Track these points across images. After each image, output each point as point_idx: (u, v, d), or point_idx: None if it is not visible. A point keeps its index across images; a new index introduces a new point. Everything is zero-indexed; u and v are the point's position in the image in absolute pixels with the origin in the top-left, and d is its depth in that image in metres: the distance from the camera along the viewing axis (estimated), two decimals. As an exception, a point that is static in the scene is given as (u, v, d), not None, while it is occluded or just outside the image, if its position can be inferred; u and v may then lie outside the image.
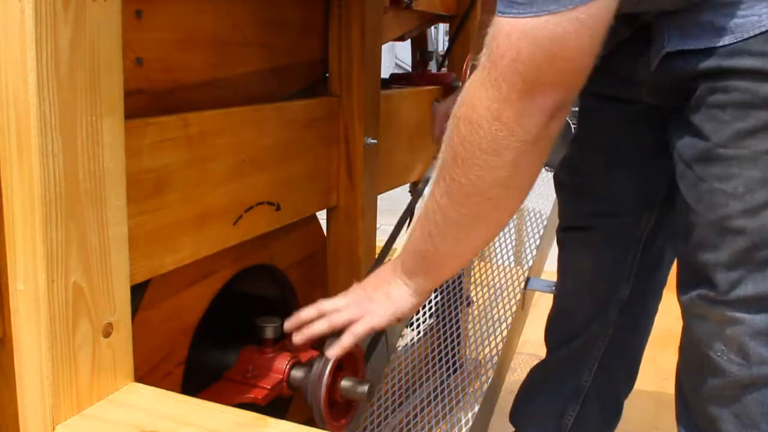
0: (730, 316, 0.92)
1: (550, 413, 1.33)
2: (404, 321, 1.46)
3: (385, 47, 1.42)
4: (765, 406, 0.93)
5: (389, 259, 0.99)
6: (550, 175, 1.86)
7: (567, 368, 1.30)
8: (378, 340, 1.17)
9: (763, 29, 0.84)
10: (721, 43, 0.87)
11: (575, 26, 0.71)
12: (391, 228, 1.28)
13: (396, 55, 5.28)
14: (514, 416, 1.40)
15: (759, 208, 0.88)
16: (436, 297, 1.58)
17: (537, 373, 1.38)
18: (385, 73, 1.50)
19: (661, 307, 1.30)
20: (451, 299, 1.57)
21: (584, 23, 0.71)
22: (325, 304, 0.97)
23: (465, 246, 0.88)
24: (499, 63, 0.73)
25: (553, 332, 1.34)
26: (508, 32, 0.72)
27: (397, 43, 1.80)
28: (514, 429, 1.40)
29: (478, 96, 0.75)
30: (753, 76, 0.85)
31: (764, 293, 0.90)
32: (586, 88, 1.17)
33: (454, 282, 1.60)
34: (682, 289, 0.99)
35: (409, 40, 1.90)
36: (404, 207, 1.34)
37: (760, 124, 0.86)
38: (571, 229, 1.26)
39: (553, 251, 1.38)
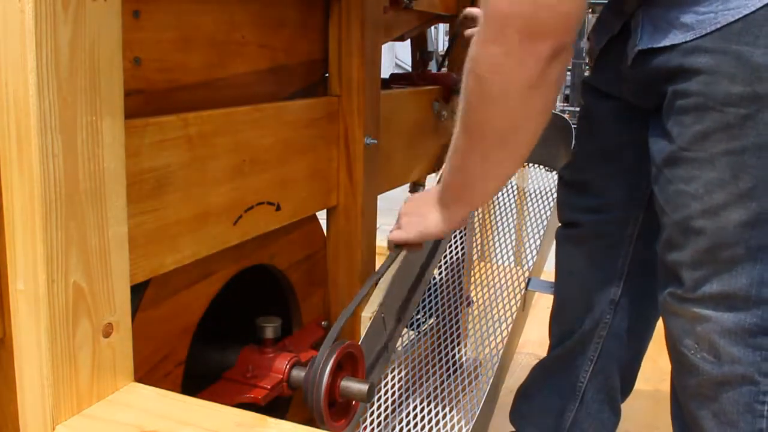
0: (698, 313, 0.93)
1: (549, 412, 1.33)
2: (404, 321, 1.46)
3: (385, 47, 1.42)
4: (740, 405, 0.94)
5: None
6: (551, 176, 1.87)
7: (563, 367, 1.31)
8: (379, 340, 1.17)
9: (717, 26, 0.85)
10: (682, 40, 0.88)
11: None
12: (390, 228, 1.28)
13: (396, 55, 5.29)
14: (514, 415, 1.40)
15: (718, 208, 0.89)
16: (436, 297, 1.58)
17: (536, 372, 1.38)
18: (385, 73, 1.50)
19: (661, 307, 1.30)
20: (451, 299, 1.57)
21: None
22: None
23: (485, 179, 1.00)
24: (493, 19, 0.81)
25: (552, 330, 1.35)
26: None
27: (397, 43, 1.80)
28: (513, 429, 1.40)
29: (481, 52, 0.84)
30: (707, 76, 0.86)
31: (731, 291, 0.91)
32: (586, 84, 1.18)
33: (454, 282, 1.60)
34: (659, 288, 1.01)
35: (409, 40, 1.89)
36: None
37: (714, 125, 0.87)
38: (564, 225, 1.26)
39: (554, 251, 1.38)
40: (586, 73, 1.25)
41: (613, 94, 1.09)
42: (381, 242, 1.39)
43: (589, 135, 1.19)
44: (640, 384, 1.38)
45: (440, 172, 1.09)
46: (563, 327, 1.30)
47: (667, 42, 0.89)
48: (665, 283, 0.99)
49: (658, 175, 0.96)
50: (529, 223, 1.86)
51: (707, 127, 0.87)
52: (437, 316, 1.59)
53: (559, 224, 1.28)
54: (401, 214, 1.18)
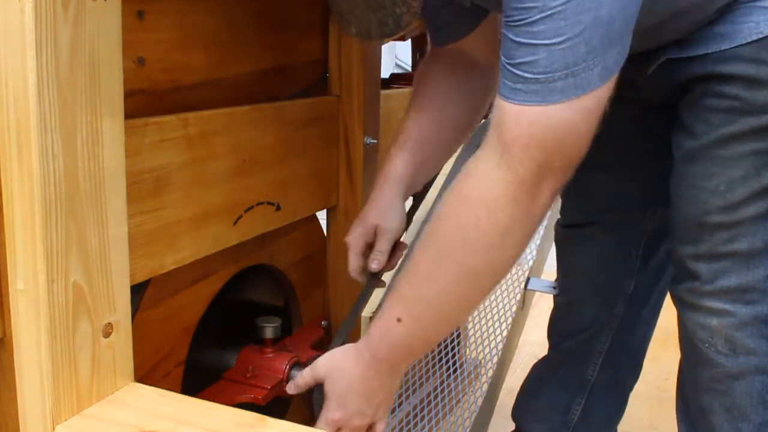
0: (716, 307, 0.94)
1: (556, 408, 1.33)
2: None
3: (385, 47, 1.42)
4: (753, 397, 0.95)
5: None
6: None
7: (571, 362, 1.31)
8: None
9: (760, 36, 0.85)
10: (718, 49, 0.87)
11: (581, 115, 0.74)
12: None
13: (396, 55, 5.28)
14: (517, 412, 1.40)
15: (739, 204, 0.90)
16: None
17: (540, 369, 1.38)
18: (385, 73, 1.50)
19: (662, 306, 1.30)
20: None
21: (589, 110, 0.74)
22: None
23: (456, 321, 0.91)
24: (512, 147, 0.75)
25: (556, 328, 1.34)
26: (515, 119, 0.74)
27: (397, 43, 1.80)
28: (515, 426, 1.40)
29: (493, 177, 0.76)
30: (745, 83, 0.86)
31: (748, 285, 0.92)
32: None
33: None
34: (672, 282, 1.02)
35: (409, 40, 1.90)
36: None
37: (747, 128, 0.88)
38: (572, 225, 1.26)
39: (553, 250, 1.38)
40: None
41: (622, 96, 1.09)
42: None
43: (596, 137, 1.19)
44: (640, 384, 1.38)
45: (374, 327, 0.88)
46: (572, 324, 1.29)
47: (699, 51, 0.89)
48: (680, 278, 0.99)
49: (673, 169, 0.97)
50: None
51: (738, 130, 0.88)
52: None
53: (562, 224, 1.28)
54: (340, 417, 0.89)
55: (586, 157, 1.21)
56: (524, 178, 0.76)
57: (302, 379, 0.93)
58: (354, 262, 1.07)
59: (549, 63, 0.72)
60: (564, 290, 1.32)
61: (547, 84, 0.72)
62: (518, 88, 0.74)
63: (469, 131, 1.16)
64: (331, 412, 0.89)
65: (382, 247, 1.07)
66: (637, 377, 1.35)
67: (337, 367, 0.90)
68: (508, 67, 0.75)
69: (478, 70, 1.09)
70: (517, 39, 0.73)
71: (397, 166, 1.07)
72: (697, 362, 0.99)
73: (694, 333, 0.97)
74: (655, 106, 1.04)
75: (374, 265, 1.06)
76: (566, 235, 1.28)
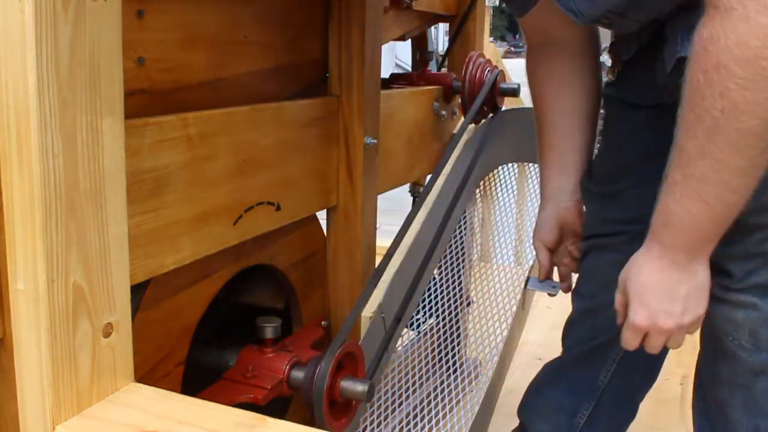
0: (744, 300, 0.95)
1: (563, 410, 1.32)
2: (404, 321, 1.46)
3: (385, 47, 1.42)
4: None
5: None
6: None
7: (584, 367, 1.30)
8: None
9: None
10: None
11: None
12: (391, 228, 1.28)
13: (396, 55, 5.29)
14: (523, 410, 1.39)
15: None
16: (436, 297, 1.58)
17: (551, 369, 1.37)
18: (385, 73, 1.50)
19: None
20: (451, 299, 1.57)
21: None
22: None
23: (746, 187, 0.85)
24: None
25: (573, 332, 1.33)
26: None
27: (397, 43, 1.80)
28: (519, 422, 1.40)
29: (743, 31, 0.74)
30: None
31: None
32: (610, 96, 1.17)
33: (454, 282, 1.60)
34: None
35: (409, 40, 1.90)
36: (404, 207, 1.33)
37: None
38: (597, 236, 1.24)
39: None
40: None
41: (645, 104, 1.08)
42: (381, 242, 1.39)
43: (619, 146, 1.17)
44: (640, 384, 1.38)
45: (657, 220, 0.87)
46: (590, 329, 1.28)
47: None
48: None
49: None
50: (529, 223, 1.86)
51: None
52: (437, 316, 1.59)
53: (586, 236, 1.26)
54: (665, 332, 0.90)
55: (611, 167, 1.21)
56: None
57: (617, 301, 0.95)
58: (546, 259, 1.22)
59: None
60: (584, 296, 1.30)
61: None
62: None
63: (597, 103, 1.23)
64: (632, 315, 0.88)
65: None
66: (650, 388, 1.34)
67: (632, 266, 0.90)
68: None
69: (576, 57, 1.16)
70: None
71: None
72: (718, 357, 0.99)
73: (719, 326, 0.98)
74: (673, 113, 1.04)
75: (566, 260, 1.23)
76: (591, 246, 1.26)
